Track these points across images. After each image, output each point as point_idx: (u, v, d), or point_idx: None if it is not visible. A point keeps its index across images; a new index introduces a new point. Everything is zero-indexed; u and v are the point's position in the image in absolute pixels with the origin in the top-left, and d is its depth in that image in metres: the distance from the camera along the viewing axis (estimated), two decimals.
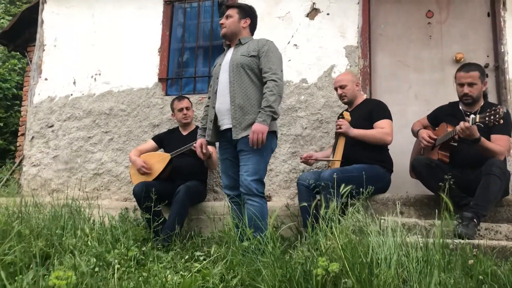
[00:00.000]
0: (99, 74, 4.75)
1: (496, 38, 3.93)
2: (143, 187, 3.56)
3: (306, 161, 3.56)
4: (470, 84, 3.16)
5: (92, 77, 4.77)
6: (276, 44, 2.96)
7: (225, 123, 2.95)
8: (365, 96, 3.68)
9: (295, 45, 4.27)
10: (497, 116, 2.71)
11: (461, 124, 2.86)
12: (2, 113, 8.63)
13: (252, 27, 3.14)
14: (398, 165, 3.54)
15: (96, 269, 2.21)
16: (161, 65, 4.62)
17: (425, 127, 3.52)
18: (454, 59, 4.02)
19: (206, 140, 3.09)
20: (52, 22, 5.04)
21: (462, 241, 2.43)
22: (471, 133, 2.85)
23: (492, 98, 3.82)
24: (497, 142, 3.00)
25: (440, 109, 3.47)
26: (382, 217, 2.60)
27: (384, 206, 3.34)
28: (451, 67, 4.04)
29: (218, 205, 3.82)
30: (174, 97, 4.30)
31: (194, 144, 3.41)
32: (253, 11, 3.15)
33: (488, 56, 3.98)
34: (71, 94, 4.78)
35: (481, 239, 2.73)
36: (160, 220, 3.39)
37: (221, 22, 3.10)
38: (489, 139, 3.02)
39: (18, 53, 7.62)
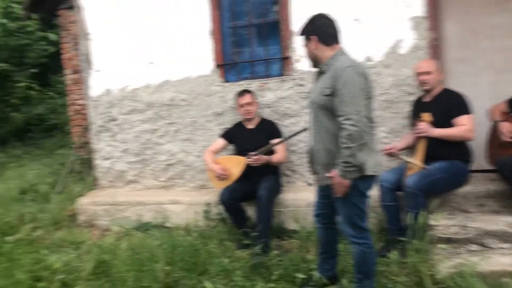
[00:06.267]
0: (152, 63, 4.66)
1: None
2: (229, 194, 3.84)
3: (390, 153, 3.60)
4: None
5: (145, 66, 4.68)
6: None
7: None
8: (443, 86, 3.58)
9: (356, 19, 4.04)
10: None
11: None
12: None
13: (325, 39, 2.61)
14: None
15: None
16: (216, 49, 4.47)
17: (503, 113, 3.49)
18: None
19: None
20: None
21: None
22: None
23: None
24: None
25: None
26: None
27: (464, 199, 3.46)
28: None
29: (296, 198, 3.99)
30: (234, 84, 4.34)
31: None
32: (311, 20, 2.67)
33: None
34: (127, 86, 4.75)
35: None
36: (245, 219, 3.86)
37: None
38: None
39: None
